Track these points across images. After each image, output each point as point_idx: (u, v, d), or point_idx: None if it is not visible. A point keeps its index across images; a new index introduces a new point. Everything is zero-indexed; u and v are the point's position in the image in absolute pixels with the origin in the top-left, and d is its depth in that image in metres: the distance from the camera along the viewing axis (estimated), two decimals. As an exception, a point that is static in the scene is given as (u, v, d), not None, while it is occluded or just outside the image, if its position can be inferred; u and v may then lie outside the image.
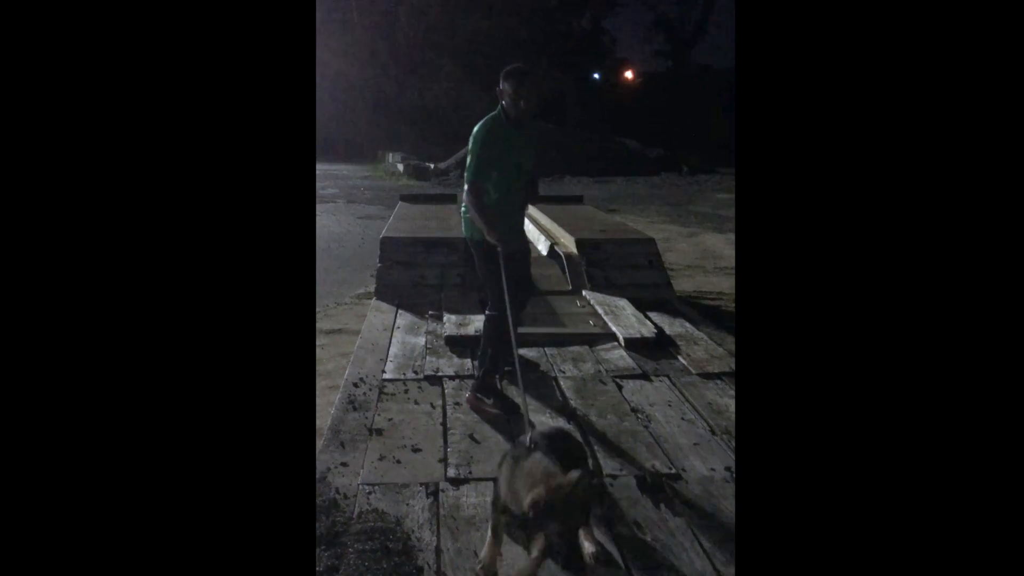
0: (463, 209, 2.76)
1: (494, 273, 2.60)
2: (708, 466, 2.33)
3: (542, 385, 3.05)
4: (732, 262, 7.20)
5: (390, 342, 3.61)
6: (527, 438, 1.66)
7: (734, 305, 5.46)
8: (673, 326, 3.93)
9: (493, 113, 2.65)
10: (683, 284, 5.93)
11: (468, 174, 2.65)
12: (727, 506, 2.08)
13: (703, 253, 7.94)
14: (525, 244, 2.96)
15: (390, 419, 2.66)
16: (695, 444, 2.49)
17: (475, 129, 2.63)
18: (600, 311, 4.12)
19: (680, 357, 3.44)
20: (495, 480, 1.74)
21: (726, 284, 6.24)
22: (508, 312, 2.42)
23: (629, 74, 33.63)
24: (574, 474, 1.44)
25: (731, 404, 2.87)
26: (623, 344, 3.60)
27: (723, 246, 8.24)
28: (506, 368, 3.03)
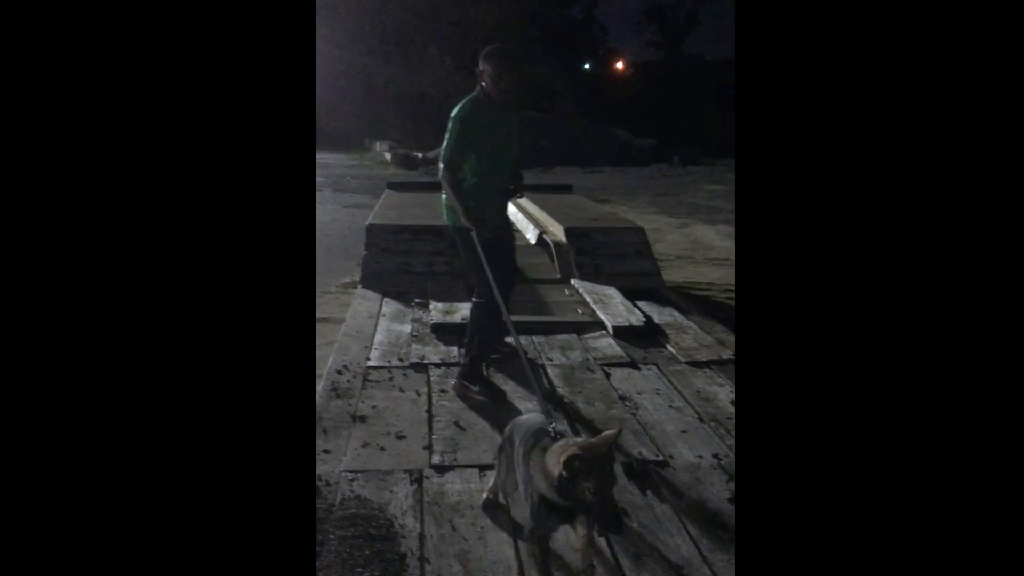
0: (444, 197, 2.70)
1: (478, 259, 2.55)
2: (695, 453, 2.31)
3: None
4: (722, 253, 7.22)
5: (375, 330, 3.56)
6: (551, 428, 1.61)
7: (724, 296, 5.46)
8: (662, 315, 3.91)
9: (472, 94, 2.59)
10: (673, 275, 5.92)
11: (444, 154, 2.58)
12: (714, 493, 2.06)
13: (693, 244, 7.94)
14: (509, 231, 2.91)
15: (374, 406, 2.62)
16: (683, 432, 2.48)
17: (454, 110, 2.57)
18: (589, 299, 4.09)
19: (669, 346, 3.42)
20: (524, 492, 1.60)
21: (716, 275, 6.25)
22: (496, 296, 2.38)
23: (620, 64, 33.54)
24: (609, 433, 1.47)
25: (719, 392, 2.86)
26: (611, 332, 3.58)
27: (713, 237, 8.25)
28: (492, 356, 2.99)
